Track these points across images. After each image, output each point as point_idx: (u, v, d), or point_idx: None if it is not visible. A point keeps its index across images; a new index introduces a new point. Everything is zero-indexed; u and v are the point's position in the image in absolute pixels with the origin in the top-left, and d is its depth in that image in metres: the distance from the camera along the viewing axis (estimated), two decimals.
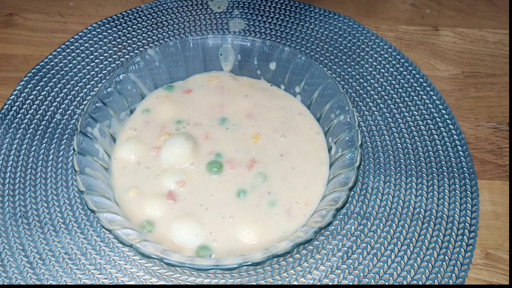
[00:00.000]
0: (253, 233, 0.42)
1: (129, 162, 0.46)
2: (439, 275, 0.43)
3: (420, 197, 0.47)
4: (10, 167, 0.49)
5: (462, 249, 0.44)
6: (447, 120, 0.52)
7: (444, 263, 0.43)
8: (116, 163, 0.46)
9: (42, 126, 0.52)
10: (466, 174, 0.49)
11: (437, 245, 0.44)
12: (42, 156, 0.50)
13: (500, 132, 0.53)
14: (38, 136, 0.51)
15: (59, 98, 0.55)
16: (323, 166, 0.46)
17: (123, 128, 0.48)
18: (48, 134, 0.52)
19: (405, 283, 0.42)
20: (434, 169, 0.49)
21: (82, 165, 0.41)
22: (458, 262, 0.43)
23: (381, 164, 0.49)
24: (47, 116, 0.53)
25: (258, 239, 0.42)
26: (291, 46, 0.58)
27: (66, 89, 0.55)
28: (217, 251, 0.41)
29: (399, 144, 0.51)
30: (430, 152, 0.50)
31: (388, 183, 0.48)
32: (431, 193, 0.47)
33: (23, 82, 0.56)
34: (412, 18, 0.64)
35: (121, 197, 0.44)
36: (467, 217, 0.46)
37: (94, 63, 0.58)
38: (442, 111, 0.53)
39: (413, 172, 0.49)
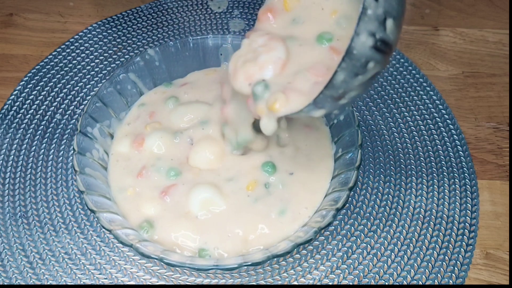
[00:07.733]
0: (255, 235, 0.42)
1: (123, 156, 0.46)
2: (439, 275, 0.43)
3: (420, 197, 0.47)
4: (10, 167, 0.49)
5: (462, 249, 0.44)
6: (447, 120, 0.52)
7: (444, 263, 0.43)
8: (112, 158, 0.46)
9: (42, 126, 0.52)
10: (466, 174, 0.49)
11: (437, 245, 0.44)
12: (42, 156, 0.50)
13: (500, 132, 0.53)
14: (38, 136, 0.51)
15: (59, 98, 0.55)
16: (328, 169, 0.45)
17: (121, 126, 0.48)
18: (48, 134, 0.52)
19: (405, 283, 0.42)
20: (434, 169, 0.49)
21: (82, 165, 0.41)
22: (458, 262, 0.43)
23: (381, 164, 0.49)
24: (47, 116, 0.53)
25: (259, 239, 0.42)
26: None
27: (66, 89, 0.55)
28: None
29: (399, 144, 0.51)
30: (430, 152, 0.50)
31: (388, 183, 0.48)
32: (431, 193, 0.47)
33: (23, 82, 0.56)
34: (412, 18, 0.64)
35: (116, 195, 0.44)
36: (467, 217, 0.46)
37: (94, 63, 0.58)
38: (442, 111, 0.53)
39: (413, 172, 0.49)
